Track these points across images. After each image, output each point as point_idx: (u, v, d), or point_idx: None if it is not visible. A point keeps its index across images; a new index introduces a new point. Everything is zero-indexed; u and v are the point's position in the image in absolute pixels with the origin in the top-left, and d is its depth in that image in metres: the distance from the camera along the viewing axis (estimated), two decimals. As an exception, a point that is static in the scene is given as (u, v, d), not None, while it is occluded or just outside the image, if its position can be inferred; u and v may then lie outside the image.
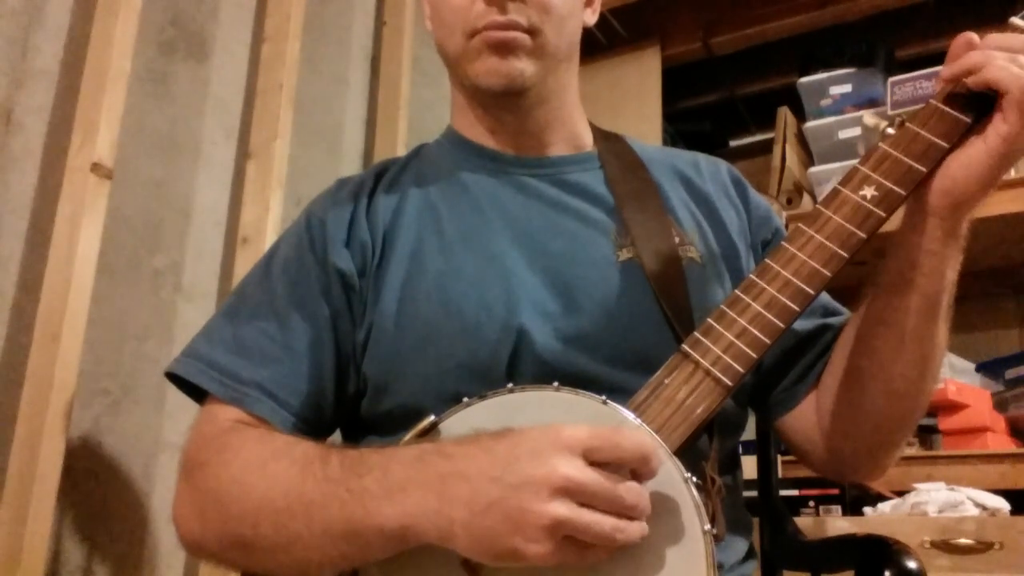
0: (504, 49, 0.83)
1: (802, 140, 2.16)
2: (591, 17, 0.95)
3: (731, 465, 0.88)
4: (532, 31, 0.84)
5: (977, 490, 1.52)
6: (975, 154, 0.71)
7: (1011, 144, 0.69)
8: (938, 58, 0.79)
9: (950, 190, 0.71)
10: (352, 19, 1.80)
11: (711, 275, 0.87)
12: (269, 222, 1.40)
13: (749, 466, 1.03)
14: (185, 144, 1.40)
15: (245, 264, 1.36)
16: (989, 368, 1.94)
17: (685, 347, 0.70)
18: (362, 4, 1.84)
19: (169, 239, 1.35)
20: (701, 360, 0.69)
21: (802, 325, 0.87)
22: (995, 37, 0.73)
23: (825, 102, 2.08)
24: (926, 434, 1.83)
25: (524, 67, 0.84)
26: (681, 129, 2.41)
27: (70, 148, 1.18)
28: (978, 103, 0.72)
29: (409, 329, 0.80)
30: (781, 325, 0.69)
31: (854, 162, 0.76)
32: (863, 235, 0.71)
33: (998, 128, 0.70)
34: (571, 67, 0.92)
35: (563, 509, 0.57)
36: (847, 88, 2.06)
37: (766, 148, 2.24)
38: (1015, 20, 0.75)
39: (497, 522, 0.58)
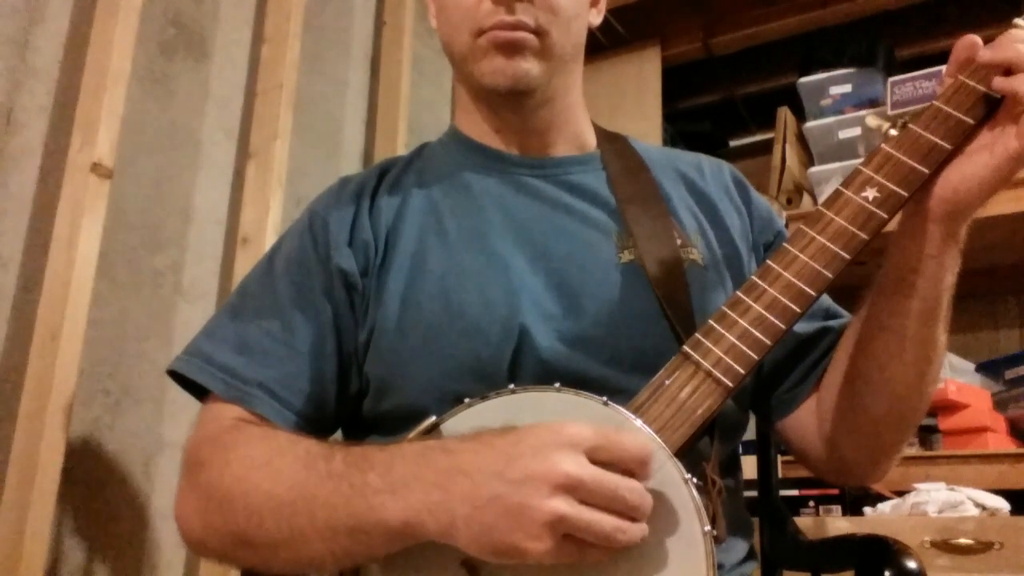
0: (511, 49, 0.83)
1: (802, 140, 2.16)
2: (596, 18, 0.95)
3: (732, 467, 0.88)
4: (539, 32, 0.83)
5: (977, 490, 1.52)
6: (979, 166, 0.70)
7: (1018, 162, 0.69)
8: (938, 58, 0.79)
9: (950, 198, 0.71)
10: (352, 19, 1.80)
11: (713, 277, 0.87)
12: (269, 222, 1.40)
13: (749, 466, 1.03)
14: (185, 144, 1.40)
15: (245, 264, 1.36)
16: (989, 368, 1.94)
17: (686, 348, 0.70)
18: (362, 4, 1.84)
19: (169, 239, 1.35)
20: (702, 361, 0.69)
21: (803, 328, 0.87)
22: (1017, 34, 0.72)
23: (825, 102, 2.08)
24: (926, 434, 1.83)
25: (530, 67, 0.84)
26: (681, 129, 2.41)
27: (70, 148, 1.18)
28: (982, 105, 0.72)
29: (411, 329, 0.80)
30: (782, 326, 0.69)
31: (854, 162, 0.76)
32: (865, 236, 0.71)
33: (1008, 145, 0.69)
34: (576, 68, 0.92)
35: (564, 506, 0.57)
36: (847, 88, 2.06)
37: (766, 148, 2.24)
38: (1019, 21, 0.75)
39: (498, 517, 0.58)
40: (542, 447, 0.59)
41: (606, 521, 0.58)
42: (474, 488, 0.59)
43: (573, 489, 0.57)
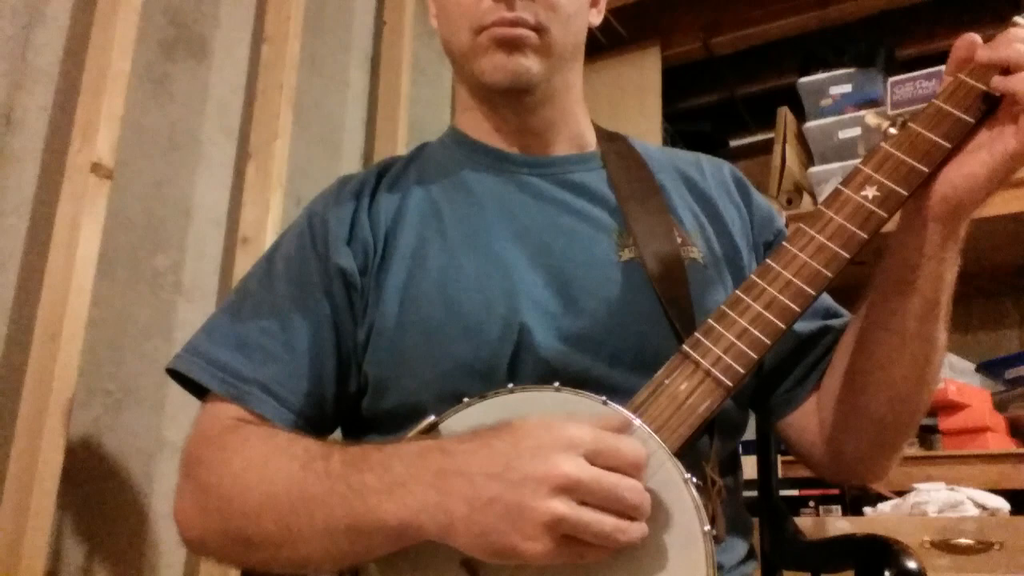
0: (511, 46, 0.83)
1: (802, 140, 2.16)
2: (596, 17, 0.95)
3: (731, 466, 0.88)
4: (539, 29, 0.84)
5: (977, 490, 1.53)
6: (978, 164, 0.70)
7: (1017, 161, 0.69)
8: (938, 58, 0.79)
9: (950, 197, 0.71)
10: (352, 19, 1.80)
11: (713, 276, 0.86)
12: (269, 222, 1.41)
13: (749, 466, 1.03)
14: (185, 144, 1.40)
15: (245, 264, 1.36)
16: (989, 368, 1.94)
17: (686, 348, 0.70)
18: (362, 4, 1.84)
19: (169, 239, 1.35)
20: (701, 361, 0.69)
21: (803, 327, 0.87)
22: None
23: (825, 102, 2.08)
24: (926, 434, 1.83)
25: (531, 64, 0.84)
26: (681, 129, 2.41)
27: (70, 148, 1.18)
28: (981, 103, 0.72)
29: (410, 328, 0.80)
30: (782, 326, 0.69)
31: (854, 162, 0.76)
32: (864, 236, 0.71)
33: (1007, 144, 0.69)
34: (576, 67, 0.92)
35: (562, 507, 0.57)
36: (847, 88, 2.06)
37: (766, 148, 2.24)
38: (1018, 19, 0.75)
39: (496, 519, 0.58)
40: (541, 448, 0.59)
41: (605, 521, 0.58)
42: (472, 489, 0.59)
43: (572, 490, 0.57)
